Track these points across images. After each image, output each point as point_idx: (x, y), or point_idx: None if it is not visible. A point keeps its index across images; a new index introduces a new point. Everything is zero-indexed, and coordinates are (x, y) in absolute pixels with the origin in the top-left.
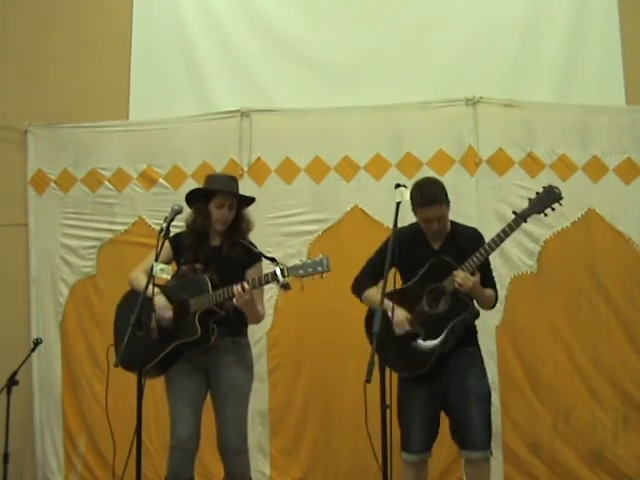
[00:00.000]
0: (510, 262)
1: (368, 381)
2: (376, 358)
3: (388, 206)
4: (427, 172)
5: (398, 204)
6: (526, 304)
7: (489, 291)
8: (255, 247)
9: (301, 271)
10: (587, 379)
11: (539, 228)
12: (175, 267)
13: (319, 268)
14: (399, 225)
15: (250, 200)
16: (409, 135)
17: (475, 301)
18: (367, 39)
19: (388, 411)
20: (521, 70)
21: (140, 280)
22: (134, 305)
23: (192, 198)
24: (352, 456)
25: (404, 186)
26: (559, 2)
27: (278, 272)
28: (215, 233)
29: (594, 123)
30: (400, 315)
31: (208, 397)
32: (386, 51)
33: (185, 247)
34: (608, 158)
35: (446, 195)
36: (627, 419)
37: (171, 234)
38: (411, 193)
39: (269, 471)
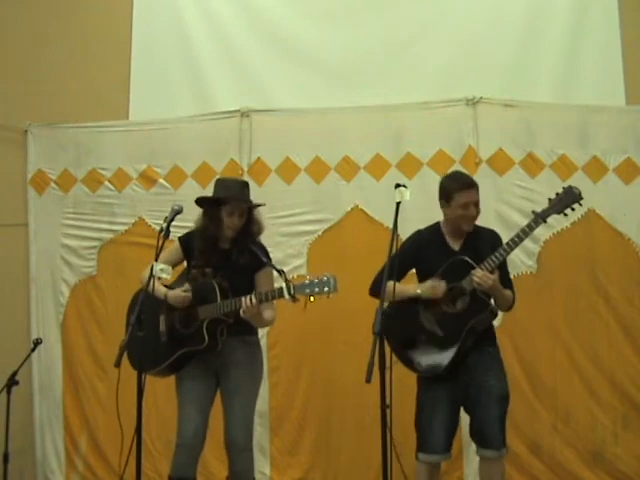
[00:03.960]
0: (510, 262)
1: (368, 381)
2: (376, 358)
3: (388, 206)
4: (427, 172)
5: (398, 204)
6: (526, 304)
7: (507, 291)
8: (266, 252)
9: (307, 290)
10: (586, 379)
11: (539, 228)
12: (184, 266)
13: (325, 289)
14: (399, 225)
15: (261, 206)
16: (409, 135)
17: (493, 301)
18: (367, 39)
19: (388, 411)
20: (521, 70)
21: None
22: (147, 305)
23: (202, 202)
24: (352, 456)
25: (404, 186)
26: (559, 2)
27: (284, 289)
28: (225, 236)
29: (594, 123)
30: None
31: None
32: (386, 51)
33: (196, 251)
34: (608, 158)
35: None
36: (626, 419)
37: (172, 233)
38: (443, 185)
39: (269, 471)
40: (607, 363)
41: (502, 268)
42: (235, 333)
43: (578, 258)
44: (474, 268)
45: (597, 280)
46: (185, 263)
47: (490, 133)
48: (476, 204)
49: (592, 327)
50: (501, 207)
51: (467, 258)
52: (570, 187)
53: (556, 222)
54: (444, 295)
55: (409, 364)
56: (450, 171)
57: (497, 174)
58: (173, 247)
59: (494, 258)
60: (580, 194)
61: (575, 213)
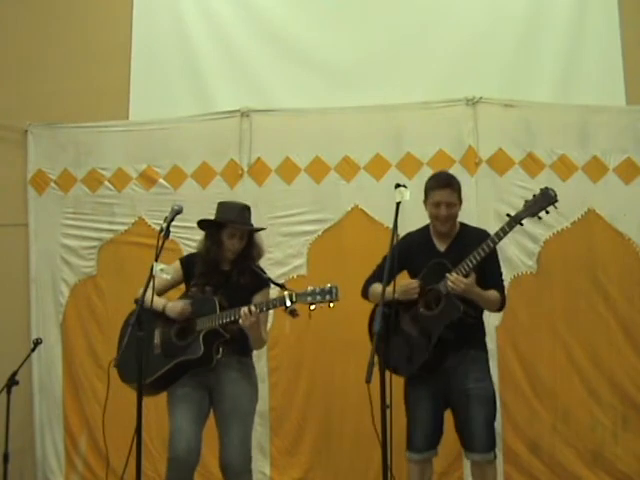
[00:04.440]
0: (510, 262)
1: (368, 381)
2: (376, 358)
3: (388, 206)
4: (427, 172)
5: (398, 204)
6: (526, 304)
7: (491, 292)
8: (264, 273)
9: (309, 298)
10: (586, 379)
11: (539, 228)
12: (184, 288)
13: (327, 297)
14: (399, 225)
15: (261, 230)
16: (409, 135)
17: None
18: (367, 39)
19: (388, 411)
20: (521, 70)
21: (148, 296)
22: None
23: (204, 224)
24: (352, 456)
25: (404, 186)
26: (559, 2)
27: (287, 297)
28: (226, 258)
29: (594, 123)
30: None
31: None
32: (386, 51)
33: (197, 273)
34: (608, 158)
35: (459, 189)
36: (626, 419)
37: (172, 233)
38: (425, 184)
39: (269, 471)
40: (607, 363)
41: (490, 268)
42: (231, 352)
43: (578, 258)
44: (450, 271)
45: (597, 280)
46: (183, 285)
47: (490, 133)
48: (448, 205)
49: (592, 327)
50: (501, 207)
51: (444, 261)
52: (546, 189)
53: (556, 222)
54: (422, 295)
55: (387, 365)
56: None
57: (497, 174)
58: (174, 265)
59: (469, 262)
60: (555, 196)
61: (575, 213)
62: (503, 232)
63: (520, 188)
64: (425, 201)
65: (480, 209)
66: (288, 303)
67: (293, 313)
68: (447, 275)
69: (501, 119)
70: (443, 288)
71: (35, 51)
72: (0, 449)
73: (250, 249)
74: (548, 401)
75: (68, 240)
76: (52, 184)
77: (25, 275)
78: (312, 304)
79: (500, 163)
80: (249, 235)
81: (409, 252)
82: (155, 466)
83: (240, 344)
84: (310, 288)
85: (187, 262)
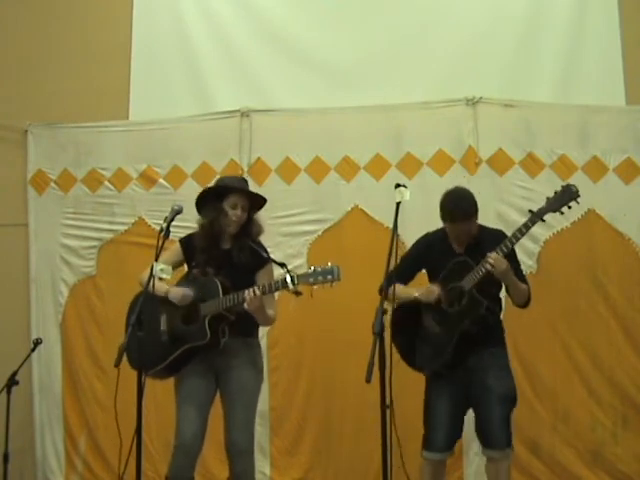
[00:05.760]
0: None
1: (368, 381)
2: (376, 358)
3: (388, 206)
4: (427, 172)
5: (398, 204)
6: None
7: (522, 284)
8: (265, 250)
9: (311, 279)
10: (586, 379)
11: (539, 228)
12: (185, 269)
13: (329, 277)
14: (399, 225)
15: (262, 202)
16: (409, 135)
17: (507, 292)
18: (367, 39)
19: (388, 411)
20: (521, 70)
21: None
22: (147, 305)
23: (204, 200)
24: (352, 456)
25: (404, 186)
26: (559, 2)
27: (288, 280)
28: (226, 236)
29: (594, 123)
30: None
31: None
32: (386, 51)
33: (197, 250)
34: (608, 158)
35: (476, 206)
36: (626, 419)
37: (172, 233)
38: (441, 202)
39: (269, 471)
40: (607, 363)
41: (512, 264)
42: (236, 333)
43: (578, 258)
44: (473, 268)
45: (597, 280)
46: (185, 266)
47: (490, 133)
48: (469, 232)
49: (592, 327)
50: (501, 207)
51: (467, 259)
52: (568, 185)
53: (556, 222)
54: (444, 296)
55: (411, 363)
56: (454, 188)
57: (497, 174)
58: (173, 248)
59: (499, 252)
60: (577, 192)
61: (575, 213)
62: (526, 227)
63: (520, 188)
64: (443, 220)
65: (480, 209)
66: (290, 286)
67: (297, 293)
68: (488, 254)
69: (501, 119)
70: (466, 285)
71: (35, 51)
72: (0, 449)
73: (250, 226)
74: (548, 401)
75: (68, 240)
76: (52, 184)
77: (25, 275)
78: (314, 284)
79: (500, 163)
80: (249, 211)
81: (428, 253)
82: (155, 466)
83: (245, 324)
84: (311, 268)
85: (187, 243)
